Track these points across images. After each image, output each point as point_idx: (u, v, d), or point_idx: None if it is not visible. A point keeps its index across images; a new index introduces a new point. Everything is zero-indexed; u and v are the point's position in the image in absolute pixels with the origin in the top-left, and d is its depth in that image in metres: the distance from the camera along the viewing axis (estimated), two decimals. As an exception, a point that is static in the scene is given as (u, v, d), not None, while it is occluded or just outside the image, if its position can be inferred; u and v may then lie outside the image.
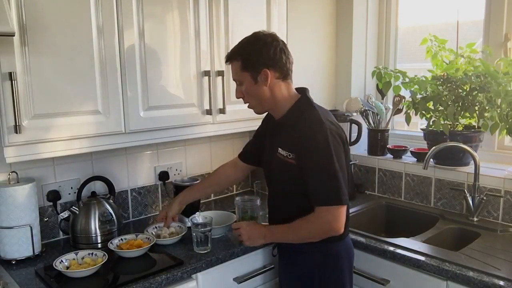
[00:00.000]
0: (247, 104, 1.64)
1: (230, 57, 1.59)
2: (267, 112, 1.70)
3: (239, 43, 1.59)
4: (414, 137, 2.52)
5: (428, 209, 2.24)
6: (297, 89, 1.63)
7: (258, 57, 1.52)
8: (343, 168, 1.50)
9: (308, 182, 1.50)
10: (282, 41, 1.57)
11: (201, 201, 2.21)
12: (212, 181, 1.96)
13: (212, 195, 2.47)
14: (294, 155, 1.53)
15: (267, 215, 2.13)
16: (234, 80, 1.62)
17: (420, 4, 2.61)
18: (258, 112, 1.66)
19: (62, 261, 1.58)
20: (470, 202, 2.05)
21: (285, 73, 1.56)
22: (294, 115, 1.56)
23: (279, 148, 1.59)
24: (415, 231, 1.97)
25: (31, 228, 1.66)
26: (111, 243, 1.72)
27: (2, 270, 1.62)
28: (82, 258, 1.62)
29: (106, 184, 1.96)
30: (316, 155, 1.47)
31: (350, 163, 2.48)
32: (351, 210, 2.22)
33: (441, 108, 2.13)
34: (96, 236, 1.80)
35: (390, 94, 2.58)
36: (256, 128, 1.87)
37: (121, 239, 1.77)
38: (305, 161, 1.50)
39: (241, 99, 1.65)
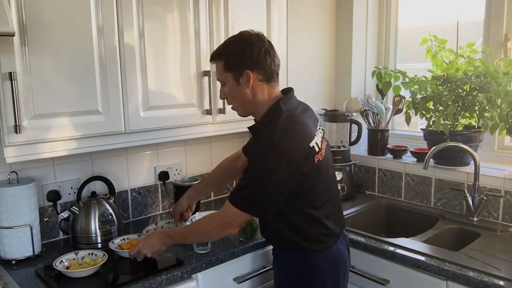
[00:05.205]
0: (231, 106, 1.59)
1: (214, 57, 1.53)
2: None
3: (224, 42, 1.54)
4: (414, 137, 2.52)
5: (428, 209, 2.24)
6: (283, 90, 1.56)
7: (241, 58, 1.46)
8: (272, 185, 1.40)
9: None
10: (269, 42, 1.50)
11: (201, 201, 2.21)
12: (219, 175, 1.93)
13: (212, 194, 2.48)
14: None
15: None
16: (217, 80, 1.57)
17: (420, 4, 2.61)
18: (240, 114, 1.59)
19: (62, 261, 1.58)
20: (470, 202, 2.05)
21: (269, 76, 1.48)
22: (262, 123, 1.50)
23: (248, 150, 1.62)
24: (415, 231, 1.97)
25: (31, 228, 1.66)
26: (112, 242, 1.72)
27: (2, 270, 1.62)
28: (82, 258, 1.62)
29: (106, 184, 1.96)
30: (251, 163, 1.48)
31: (350, 163, 2.48)
32: (351, 210, 2.24)
33: (441, 108, 2.13)
34: (96, 236, 1.80)
35: (390, 94, 2.58)
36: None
37: (123, 239, 1.77)
38: None
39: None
